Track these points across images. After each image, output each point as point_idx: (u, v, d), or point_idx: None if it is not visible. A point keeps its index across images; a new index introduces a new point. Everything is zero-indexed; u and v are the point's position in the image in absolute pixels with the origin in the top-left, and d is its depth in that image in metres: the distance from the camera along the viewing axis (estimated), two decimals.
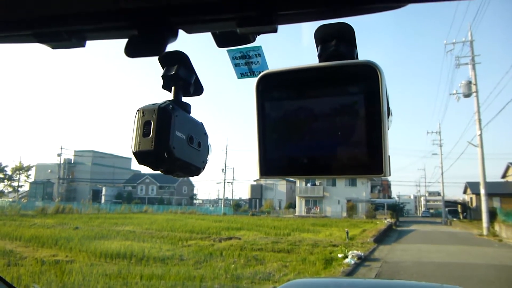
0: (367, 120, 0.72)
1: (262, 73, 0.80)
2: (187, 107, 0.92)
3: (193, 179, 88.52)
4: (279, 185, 74.07)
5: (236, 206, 72.54)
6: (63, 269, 10.05)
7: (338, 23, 0.75)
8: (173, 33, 0.70)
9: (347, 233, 20.19)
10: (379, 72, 0.71)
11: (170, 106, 0.84)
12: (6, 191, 64.77)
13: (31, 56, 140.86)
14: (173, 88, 0.91)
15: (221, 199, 78.30)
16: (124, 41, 0.73)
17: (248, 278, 9.84)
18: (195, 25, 0.71)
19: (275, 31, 0.67)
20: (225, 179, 74.88)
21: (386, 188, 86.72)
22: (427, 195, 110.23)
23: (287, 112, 0.79)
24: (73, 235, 18.13)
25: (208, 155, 0.96)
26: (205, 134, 0.96)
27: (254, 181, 78.05)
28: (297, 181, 62.56)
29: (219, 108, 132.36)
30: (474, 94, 32.25)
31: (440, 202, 71.66)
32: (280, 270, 10.95)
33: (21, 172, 63.74)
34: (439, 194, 76.59)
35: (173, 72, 0.89)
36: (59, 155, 75.97)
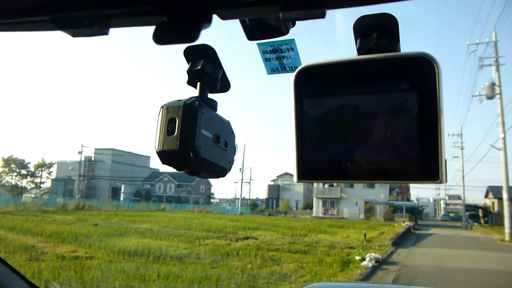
0: (421, 120, 0.65)
1: (301, 66, 0.74)
2: (213, 104, 0.87)
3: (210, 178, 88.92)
4: (297, 186, 73.81)
5: (253, 206, 72.58)
6: (82, 265, 10.22)
7: (379, 14, 0.69)
8: (206, 18, 0.62)
9: (365, 235, 19.98)
10: (435, 66, 0.65)
11: (196, 102, 0.79)
12: (28, 187, 66.17)
13: (52, 50, 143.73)
14: (198, 84, 0.87)
15: (238, 199, 78.49)
16: (149, 29, 0.66)
17: (264, 278, 9.83)
18: (232, 10, 0.61)
19: (323, 16, 0.58)
20: (242, 179, 75.04)
21: (404, 190, 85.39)
22: (447, 198, 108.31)
23: (329, 110, 0.72)
24: (93, 232, 18.43)
25: (234, 155, 0.91)
26: (232, 133, 0.91)
27: (272, 181, 78.04)
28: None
29: (238, 106, 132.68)
30: (498, 96, 31.54)
31: (460, 206, 70.35)
32: (297, 271, 10.90)
33: (43, 169, 64.96)
34: (459, 197, 75.18)
35: (199, 67, 0.84)
36: (80, 152, 77.31)
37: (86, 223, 24.31)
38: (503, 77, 32.47)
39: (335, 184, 59.27)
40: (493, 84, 32.31)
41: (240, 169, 74.08)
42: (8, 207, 39.21)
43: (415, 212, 59.34)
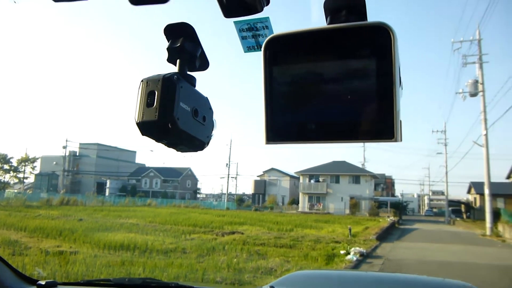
0: (378, 84, 0.70)
1: (269, 36, 0.78)
2: (192, 80, 0.90)
3: (197, 173, 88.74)
4: (283, 181, 74.16)
5: (239, 201, 72.69)
6: (67, 259, 10.14)
7: None
8: None
9: (350, 230, 20.19)
10: (391, 33, 0.69)
11: (175, 76, 0.82)
12: (11, 182, 65.21)
13: (35, 40, 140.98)
14: (178, 61, 0.89)
15: (225, 194, 78.48)
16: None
17: (250, 272, 9.88)
18: None
19: None
20: (228, 174, 75.03)
21: (389, 186, 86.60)
22: (430, 194, 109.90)
23: (295, 76, 0.77)
24: (77, 227, 18.25)
25: (213, 130, 0.94)
26: (210, 109, 0.94)
27: (258, 176, 78.16)
28: (301, 178, 62.58)
29: (224, 103, 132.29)
30: (481, 93, 32.04)
31: (443, 201, 71.40)
32: (282, 265, 10.98)
33: (26, 163, 64.16)
34: (442, 193, 76.28)
35: (179, 44, 0.87)
36: (65, 147, 76.29)
37: (71, 218, 24.03)
38: (486, 75, 32.95)
39: (321, 179, 59.71)
40: (477, 81, 32.79)
41: (227, 164, 74.11)
42: None
43: (400, 207, 60.05)
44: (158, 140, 0.84)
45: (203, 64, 0.94)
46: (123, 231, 17.62)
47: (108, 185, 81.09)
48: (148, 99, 0.80)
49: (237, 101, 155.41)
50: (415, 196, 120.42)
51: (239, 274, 9.55)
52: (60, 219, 22.64)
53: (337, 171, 59.99)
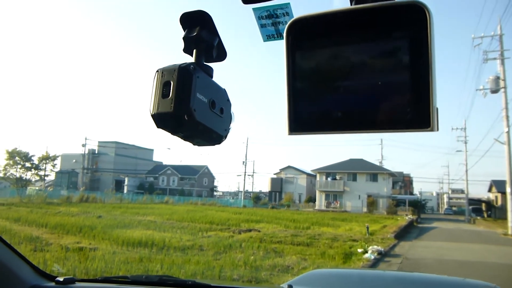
0: (412, 68, 0.64)
1: (292, 19, 0.73)
2: (209, 70, 0.86)
3: (213, 171, 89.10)
4: (300, 179, 73.88)
5: (256, 198, 72.72)
6: (86, 255, 10.30)
7: None
8: None
9: (367, 228, 20.02)
10: (427, 13, 0.63)
11: (192, 66, 0.79)
12: (33, 180, 66.32)
13: (58, 42, 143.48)
14: (194, 51, 0.85)
15: (241, 192, 78.65)
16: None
17: (267, 269, 9.88)
18: None
19: None
20: (245, 172, 75.18)
21: (408, 184, 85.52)
22: (450, 192, 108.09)
23: (320, 62, 0.72)
24: (96, 224, 18.53)
25: (230, 123, 0.90)
26: (228, 100, 0.90)
27: (275, 174, 78.08)
28: (318, 175, 62.32)
29: (240, 98, 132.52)
30: (502, 90, 31.34)
31: (463, 200, 70.20)
32: (299, 263, 10.95)
33: (47, 161, 65.02)
34: (462, 191, 74.96)
35: (195, 33, 0.84)
36: (84, 145, 77.48)
37: (90, 215, 24.43)
38: (508, 71, 32.22)
39: (338, 177, 59.35)
40: (498, 78, 32.10)
41: (243, 162, 74.25)
42: (13, 199, 39.45)
43: (418, 205, 59.27)
44: (173, 132, 0.81)
45: (221, 54, 0.91)
46: (141, 228, 17.82)
47: (126, 182, 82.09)
48: (163, 89, 0.77)
49: (254, 96, 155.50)
50: (434, 194, 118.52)
51: (256, 272, 9.55)
52: (79, 216, 23.03)
53: (354, 169, 59.53)
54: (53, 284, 1.75)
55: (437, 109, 0.63)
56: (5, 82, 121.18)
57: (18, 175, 60.84)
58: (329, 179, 60.55)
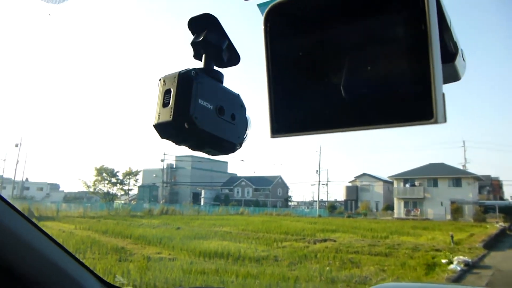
0: (409, 50, 0.53)
1: (270, 5, 0.63)
2: (218, 76, 0.81)
3: (287, 181, 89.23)
4: (376, 186, 71.46)
5: (331, 207, 71.46)
6: (166, 265, 10.73)
7: None
8: None
9: (452, 237, 18.72)
10: None
11: (193, 72, 0.74)
12: (119, 194, 71.30)
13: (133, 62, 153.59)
14: (203, 56, 0.81)
15: (316, 201, 77.74)
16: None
17: (343, 281, 9.59)
18: None
19: None
20: (319, 181, 74.27)
21: (497, 188, 78.83)
22: None
23: (305, 50, 0.62)
24: (175, 235, 19.32)
25: (246, 130, 0.83)
26: (242, 106, 0.83)
27: (349, 182, 76.36)
28: (395, 182, 59.84)
29: None
30: None
31: None
32: (378, 274, 10.50)
33: (130, 176, 69.77)
34: None
35: (202, 38, 0.79)
36: (162, 160, 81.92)
37: (170, 226, 25.53)
38: None
39: (417, 183, 56.51)
40: None
41: (317, 171, 73.48)
42: (102, 212, 42.58)
43: (511, 212, 54.36)
44: (178, 143, 0.77)
45: (233, 58, 0.84)
46: (217, 239, 18.24)
47: (203, 195, 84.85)
48: (164, 98, 0.74)
49: None
50: None
51: (332, 284, 9.31)
52: (160, 228, 24.17)
53: (434, 174, 56.31)
54: None
55: (443, 95, 0.52)
56: (91, 104, 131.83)
57: (105, 190, 65.89)
58: (407, 185, 57.89)
